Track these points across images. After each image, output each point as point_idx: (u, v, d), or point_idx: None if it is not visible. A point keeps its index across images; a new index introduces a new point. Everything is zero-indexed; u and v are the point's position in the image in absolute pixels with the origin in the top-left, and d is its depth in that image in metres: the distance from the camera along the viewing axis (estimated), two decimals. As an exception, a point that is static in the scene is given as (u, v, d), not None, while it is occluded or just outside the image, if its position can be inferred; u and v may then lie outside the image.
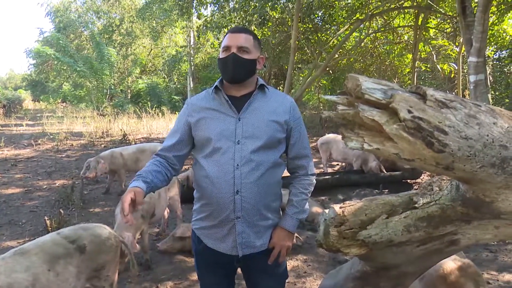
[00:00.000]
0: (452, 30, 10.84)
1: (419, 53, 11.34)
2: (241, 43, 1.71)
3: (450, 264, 2.13)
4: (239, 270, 1.91)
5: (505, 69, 13.02)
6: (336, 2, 10.20)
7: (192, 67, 21.60)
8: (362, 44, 11.93)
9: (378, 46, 12.54)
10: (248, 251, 1.75)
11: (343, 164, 7.93)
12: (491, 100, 7.41)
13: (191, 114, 1.77)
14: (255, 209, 1.70)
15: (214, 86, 1.78)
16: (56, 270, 2.23)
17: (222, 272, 1.85)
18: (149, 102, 19.12)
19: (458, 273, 2.11)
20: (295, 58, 10.70)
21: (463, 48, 8.00)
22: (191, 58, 21.41)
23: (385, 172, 6.51)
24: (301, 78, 15.23)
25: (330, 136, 7.51)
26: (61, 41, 18.76)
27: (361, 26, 10.55)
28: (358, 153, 6.59)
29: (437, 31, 11.90)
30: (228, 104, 1.73)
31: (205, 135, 1.72)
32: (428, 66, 13.17)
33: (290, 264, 3.86)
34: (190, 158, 1.96)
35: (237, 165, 1.66)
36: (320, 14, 10.96)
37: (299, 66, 13.96)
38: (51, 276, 2.20)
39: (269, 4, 9.38)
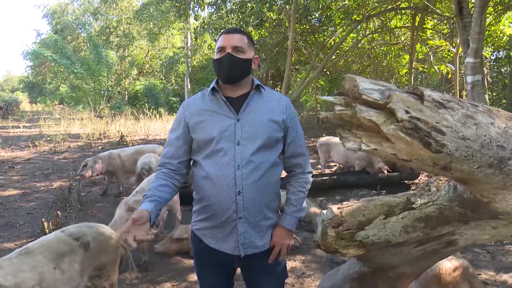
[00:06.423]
0: (449, 31, 10.86)
1: (416, 54, 11.35)
2: (236, 43, 1.71)
3: (446, 264, 2.13)
4: (238, 270, 1.91)
5: (503, 70, 13.05)
6: (333, 4, 10.21)
7: (190, 68, 21.58)
8: (359, 45, 11.94)
9: (375, 47, 12.56)
10: (250, 251, 1.75)
11: (341, 165, 7.92)
12: (488, 101, 7.42)
13: (188, 116, 1.77)
14: (257, 209, 1.71)
15: (210, 87, 1.77)
16: (61, 268, 2.23)
17: (222, 272, 1.85)
18: (146, 104, 19.10)
19: (453, 273, 2.11)
20: (293, 59, 10.71)
21: (460, 49, 8.02)
22: (189, 60, 21.37)
23: (391, 171, 6.50)
24: (298, 79, 15.23)
25: (330, 137, 7.49)
26: (58, 43, 18.70)
27: (358, 27, 10.57)
28: (362, 155, 6.54)
29: (434, 32, 11.93)
30: (226, 105, 1.73)
31: (205, 137, 1.71)
32: (425, 67, 13.19)
33: (288, 265, 3.85)
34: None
35: (238, 166, 1.67)
36: (317, 15, 10.97)
37: (297, 67, 13.97)
38: (57, 274, 2.20)
39: (266, 5, 9.38)
